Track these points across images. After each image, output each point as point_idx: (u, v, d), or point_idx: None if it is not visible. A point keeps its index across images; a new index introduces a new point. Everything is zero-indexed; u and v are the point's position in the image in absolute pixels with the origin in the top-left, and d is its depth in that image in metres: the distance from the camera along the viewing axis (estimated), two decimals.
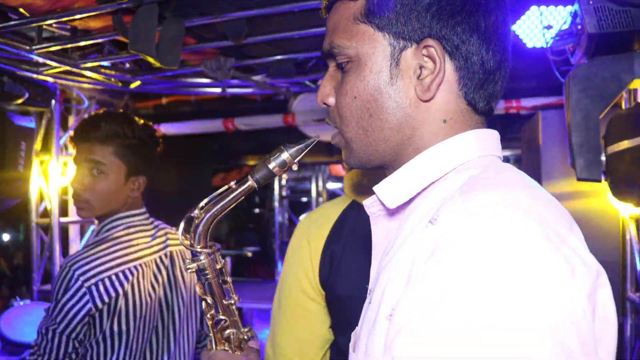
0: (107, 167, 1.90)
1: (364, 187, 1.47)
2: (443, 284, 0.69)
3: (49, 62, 2.93)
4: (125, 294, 1.83)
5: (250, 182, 1.01)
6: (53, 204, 3.98)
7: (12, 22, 2.46)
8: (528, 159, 3.90)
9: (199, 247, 1.08)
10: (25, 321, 3.39)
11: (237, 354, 1.15)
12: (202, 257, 1.08)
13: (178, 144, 4.64)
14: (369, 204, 1.00)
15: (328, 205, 1.58)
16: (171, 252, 2.03)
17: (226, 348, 1.16)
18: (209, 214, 1.05)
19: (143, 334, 1.89)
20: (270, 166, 0.99)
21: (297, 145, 0.99)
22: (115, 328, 1.82)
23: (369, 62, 0.89)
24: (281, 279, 1.54)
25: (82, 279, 1.77)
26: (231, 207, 1.04)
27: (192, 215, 1.06)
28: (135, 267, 1.88)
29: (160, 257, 1.98)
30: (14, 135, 2.83)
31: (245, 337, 1.17)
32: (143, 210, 2.02)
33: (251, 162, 5.36)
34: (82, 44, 2.79)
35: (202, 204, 1.05)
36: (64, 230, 4.28)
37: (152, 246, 1.98)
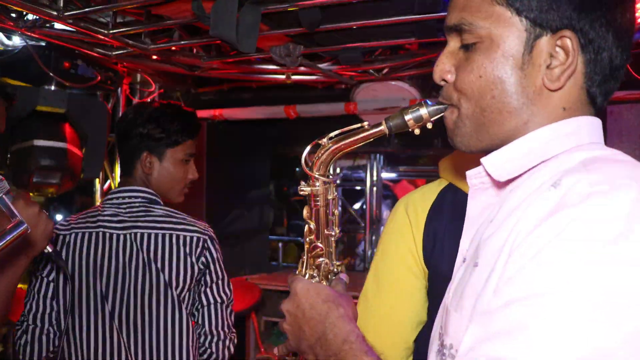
0: None
1: (463, 170, 1.46)
2: (563, 240, 0.74)
3: (123, 45, 3.00)
4: None
5: (383, 127, 1.03)
6: (116, 184, 4.10)
7: (94, 7, 2.53)
8: None
9: (317, 173, 1.11)
10: None
11: (322, 283, 1.16)
12: (317, 184, 1.12)
13: (236, 129, 4.71)
14: (472, 175, 1.01)
15: (425, 187, 1.56)
16: None
17: (314, 274, 1.18)
18: (335, 146, 1.08)
19: None
20: (406, 117, 1.01)
21: (436, 104, 1.00)
22: None
23: (502, 45, 0.89)
24: (377, 259, 1.51)
25: None
26: (357, 145, 1.08)
27: (320, 142, 1.10)
28: None
29: None
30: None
31: (335, 269, 1.20)
32: None
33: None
34: (153, 29, 2.85)
35: (332, 134, 1.09)
36: None
37: None
